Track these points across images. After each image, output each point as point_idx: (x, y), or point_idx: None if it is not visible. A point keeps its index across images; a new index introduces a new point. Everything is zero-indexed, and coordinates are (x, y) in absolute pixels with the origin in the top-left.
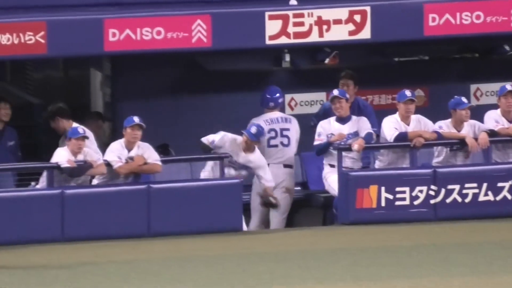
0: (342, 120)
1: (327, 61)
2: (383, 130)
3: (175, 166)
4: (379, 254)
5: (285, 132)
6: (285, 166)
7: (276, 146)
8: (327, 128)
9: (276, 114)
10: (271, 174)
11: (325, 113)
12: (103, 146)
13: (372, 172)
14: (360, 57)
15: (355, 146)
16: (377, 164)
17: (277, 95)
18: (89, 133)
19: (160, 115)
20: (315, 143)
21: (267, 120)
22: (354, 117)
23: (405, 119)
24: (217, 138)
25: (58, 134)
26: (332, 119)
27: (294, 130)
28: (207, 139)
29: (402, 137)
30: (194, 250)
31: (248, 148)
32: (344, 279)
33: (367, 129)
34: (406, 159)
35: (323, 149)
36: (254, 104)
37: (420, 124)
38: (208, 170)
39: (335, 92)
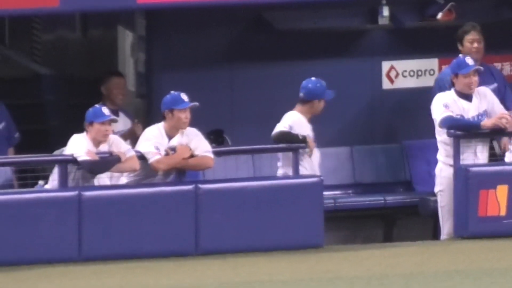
0: (466, 95)
1: (439, 16)
2: None
3: (231, 160)
4: (510, 279)
5: None
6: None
7: None
8: (453, 106)
9: None
10: None
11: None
12: None
13: (500, 167)
14: (484, 11)
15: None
16: (508, 157)
17: None
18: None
19: (211, 90)
20: (445, 114)
21: None
22: (476, 89)
23: None
24: (290, 121)
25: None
26: (453, 93)
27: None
28: (283, 126)
29: None
30: (257, 274)
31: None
32: None
33: (498, 105)
34: None
35: (463, 127)
36: (340, 75)
37: None
38: (285, 165)
39: (469, 61)
